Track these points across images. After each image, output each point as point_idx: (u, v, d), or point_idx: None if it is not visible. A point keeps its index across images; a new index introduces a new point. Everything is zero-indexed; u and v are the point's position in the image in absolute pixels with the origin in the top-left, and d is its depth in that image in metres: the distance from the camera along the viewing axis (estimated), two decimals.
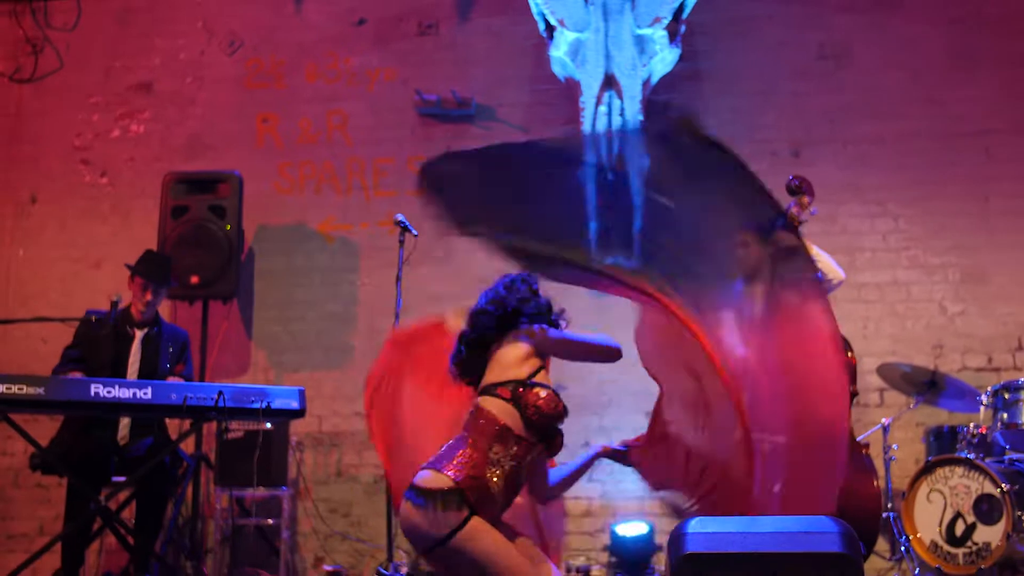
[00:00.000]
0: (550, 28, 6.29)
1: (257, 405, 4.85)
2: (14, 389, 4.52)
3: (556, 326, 3.33)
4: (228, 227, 6.10)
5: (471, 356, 3.29)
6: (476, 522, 2.96)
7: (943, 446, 5.34)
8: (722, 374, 3.01)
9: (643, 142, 3.85)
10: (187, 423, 5.24)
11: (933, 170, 6.23)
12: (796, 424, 3.11)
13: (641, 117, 6.14)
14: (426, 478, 3.01)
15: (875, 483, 5.21)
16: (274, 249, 6.72)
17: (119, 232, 6.81)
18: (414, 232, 5.27)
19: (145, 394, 4.69)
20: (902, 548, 5.13)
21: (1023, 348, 6.02)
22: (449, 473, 2.99)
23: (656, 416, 3.50)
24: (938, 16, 6.39)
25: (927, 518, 5.04)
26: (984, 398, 5.22)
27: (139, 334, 5.27)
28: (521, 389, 3.11)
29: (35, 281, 6.87)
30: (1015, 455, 5.08)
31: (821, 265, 4.48)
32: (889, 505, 5.26)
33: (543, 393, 3.12)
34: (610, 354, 3.31)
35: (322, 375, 6.45)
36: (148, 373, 5.19)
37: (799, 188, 4.77)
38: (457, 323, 3.42)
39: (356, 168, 6.75)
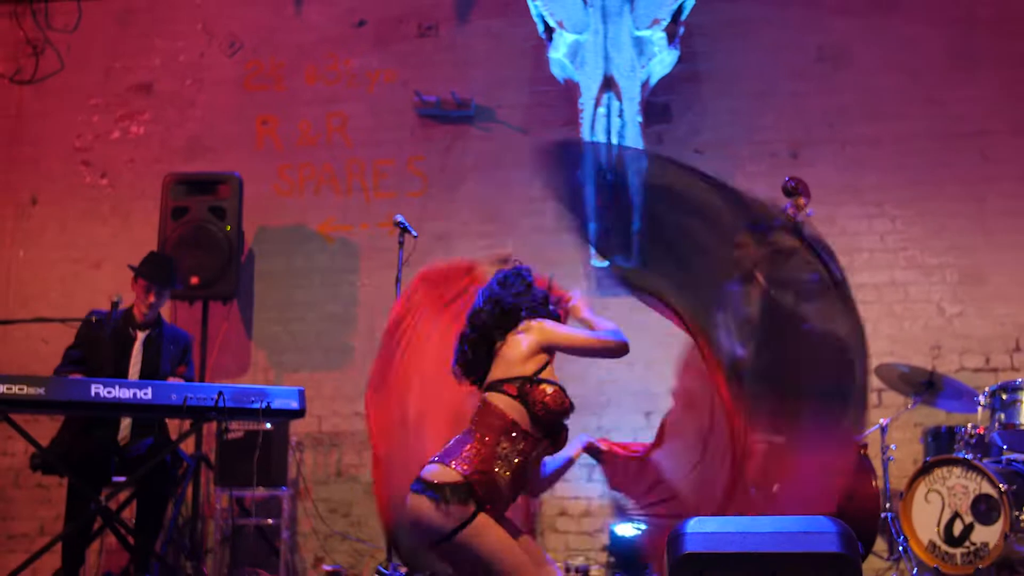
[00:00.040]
0: (549, 30, 6.31)
1: (257, 405, 4.85)
2: (15, 389, 4.52)
3: (555, 317, 3.33)
4: (228, 228, 6.11)
5: (475, 355, 3.28)
6: (483, 518, 2.97)
7: (941, 446, 5.35)
8: (723, 390, 3.04)
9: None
10: (187, 423, 5.24)
11: (931, 171, 6.24)
12: (795, 424, 3.12)
13: (640, 118, 6.15)
14: (434, 471, 3.01)
15: (873, 483, 5.24)
16: (274, 250, 6.73)
17: (119, 233, 6.83)
18: (414, 233, 5.28)
19: (145, 394, 4.70)
20: (900, 548, 5.14)
21: (1021, 349, 6.02)
22: (457, 467, 2.99)
23: (660, 435, 3.52)
24: (936, 17, 6.39)
25: (925, 518, 5.05)
26: (982, 399, 5.23)
27: (141, 336, 5.26)
28: (528, 386, 3.12)
29: (36, 282, 6.88)
30: (1013, 455, 5.10)
31: None
32: (887, 505, 5.27)
33: (549, 389, 3.13)
34: (616, 350, 3.27)
35: (322, 375, 6.46)
36: (149, 375, 5.18)
37: (795, 190, 4.77)
38: (489, 270, 3.44)
39: (356, 169, 6.76)
